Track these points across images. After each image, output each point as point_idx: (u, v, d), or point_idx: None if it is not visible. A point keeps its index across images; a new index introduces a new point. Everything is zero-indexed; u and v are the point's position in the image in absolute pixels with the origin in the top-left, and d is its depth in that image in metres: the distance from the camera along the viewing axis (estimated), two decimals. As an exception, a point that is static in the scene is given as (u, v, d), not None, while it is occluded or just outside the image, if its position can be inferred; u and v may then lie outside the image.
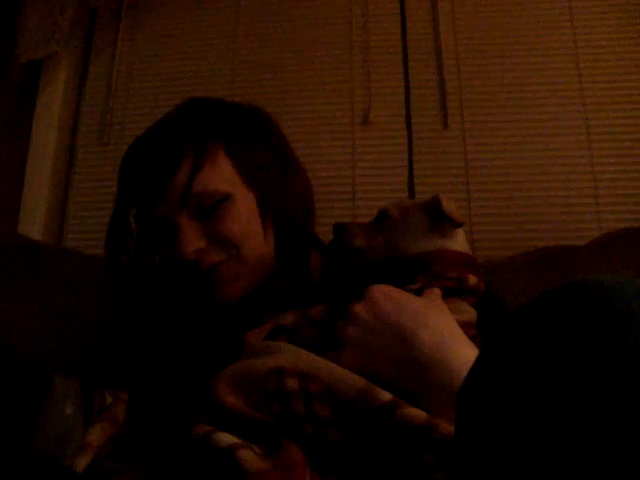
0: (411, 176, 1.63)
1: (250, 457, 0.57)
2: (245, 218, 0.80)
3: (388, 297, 0.70)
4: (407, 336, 0.65)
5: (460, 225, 0.81)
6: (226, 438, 0.60)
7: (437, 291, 0.74)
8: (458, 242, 0.82)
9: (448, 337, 0.65)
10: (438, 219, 0.80)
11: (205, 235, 0.78)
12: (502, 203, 1.59)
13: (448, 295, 0.75)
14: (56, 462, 0.66)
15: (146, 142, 0.82)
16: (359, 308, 0.70)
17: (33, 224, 1.66)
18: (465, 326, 0.71)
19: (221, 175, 0.79)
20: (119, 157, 1.71)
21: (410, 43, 1.75)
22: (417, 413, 0.58)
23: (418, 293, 0.74)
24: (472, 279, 0.78)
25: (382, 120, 1.68)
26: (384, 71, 1.73)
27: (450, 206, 0.80)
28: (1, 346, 1.00)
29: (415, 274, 0.76)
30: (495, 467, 0.38)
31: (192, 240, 0.76)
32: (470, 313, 0.78)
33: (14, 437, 0.70)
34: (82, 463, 0.71)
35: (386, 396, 0.60)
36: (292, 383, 0.63)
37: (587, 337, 0.35)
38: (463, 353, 0.63)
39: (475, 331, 0.75)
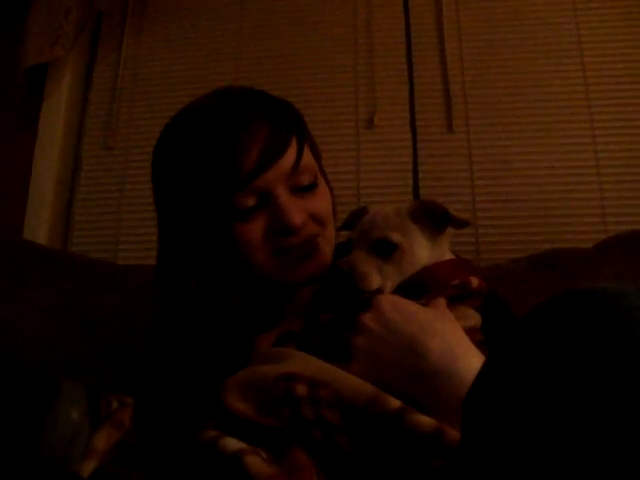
0: (416, 179, 1.63)
1: (257, 462, 0.57)
2: (330, 200, 0.86)
3: (396, 307, 0.70)
4: (416, 346, 0.65)
5: (469, 223, 0.79)
6: (233, 443, 0.60)
7: (442, 300, 0.73)
8: (447, 244, 0.82)
9: (456, 347, 0.65)
10: (441, 222, 0.79)
11: (303, 209, 0.79)
12: (507, 206, 1.59)
13: (453, 301, 0.75)
14: (62, 468, 0.66)
15: (237, 119, 0.77)
16: (367, 318, 0.69)
17: (39, 229, 1.67)
18: (471, 332, 0.71)
19: (312, 157, 0.84)
20: (125, 162, 1.76)
21: (414, 47, 1.75)
22: (426, 420, 0.57)
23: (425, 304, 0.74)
24: (474, 281, 0.78)
25: (387, 123, 1.68)
26: (389, 74, 1.73)
27: (451, 209, 0.78)
28: (6, 353, 1.00)
29: (422, 292, 0.75)
30: (500, 472, 0.38)
31: (298, 210, 0.77)
32: (475, 318, 0.77)
33: (20, 443, 0.70)
34: (88, 468, 0.71)
35: (395, 403, 0.59)
36: (301, 389, 0.63)
37: (592, 345, 0.35)
38: (471, 363, 0.62)
39: (481, 335, 0.75)
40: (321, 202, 0.82)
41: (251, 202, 0.76)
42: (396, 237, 0.75)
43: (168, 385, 0.85)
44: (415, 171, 1.64)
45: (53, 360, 1.09)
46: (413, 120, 1.68)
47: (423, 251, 0.77)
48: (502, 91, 1.68)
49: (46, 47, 1.69)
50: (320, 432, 0.61)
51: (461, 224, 0.78)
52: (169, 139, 0.83)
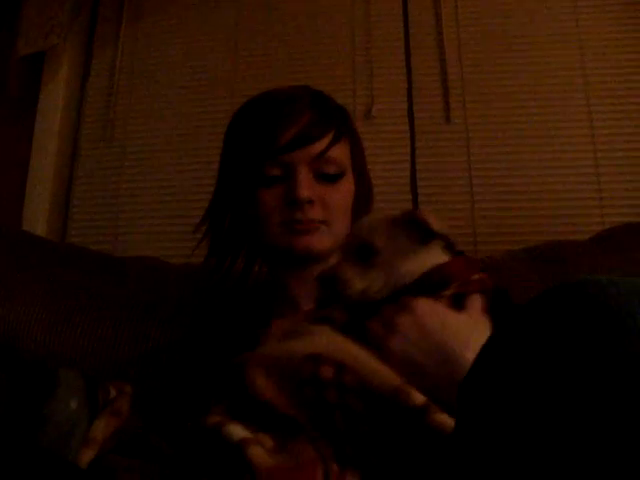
0: (413, 170, 1.63)
1: (260, 454, 0.57)
2: (348, 199, 0.93)
3: (432, 312, 0.70)
4: (451, 357, 0.65)
5: (445, 236, 0.77)
6: (238, 431, 0.60)
7: (477, 299, 0.73)
8: (440, 248, 0.79)
9: None
10: (426, 236, 0.76)
11: (316, 193, 0.87)
12: (504, 197, 1.59)
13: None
14: (59, 458, 0.66)
15: (291, 102, 0.91)
16: (403, 320, 0.69)
17: (37, 220, 1.67)
18: None
19: (345, 154, 0.93)
20: (122, 153, 1.76)
21: (413, 37, 1.74)
22: (448, 421, 0.57)
23: (459, 299, 0.73)
24: (488, 280, 0.78)
25: (384, 114, 1.68)
26: (387, 65, 1.73)
27: (431, 219, 0.75)
28: (5, 345, 1.01)
29: (437, 290, 0.74)
30: (491, 456, 0.39)
31: (309, 188, 0.86)
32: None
33: (18, 433, 0.70)
34: (86, 458, 0.71)
35: (420, 399, 0.59)
36: (327, 372, 0.63)
37: (585, 335, 0.35)
38: None
39: None
40: (337, 195, 0.90)
41: (276, 172, 0.88)
42: (377, 242, 0.75)
43: (175, 368, 0.87)
44: (413, 162, 1.64)
45: (52, 349, 1.09)
46: (411, 111, 1.68)
47: (410, 255, 0.76)
48: (500, 82, 1.68)
49: (41, 36, 1.68)
50: (341, 417, 0.61)
51: (440, 236, 0.76)
52: (236, 114, 0.98)
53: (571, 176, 1.59)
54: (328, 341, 0.68)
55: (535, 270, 1.17)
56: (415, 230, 0.76)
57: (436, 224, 0.74)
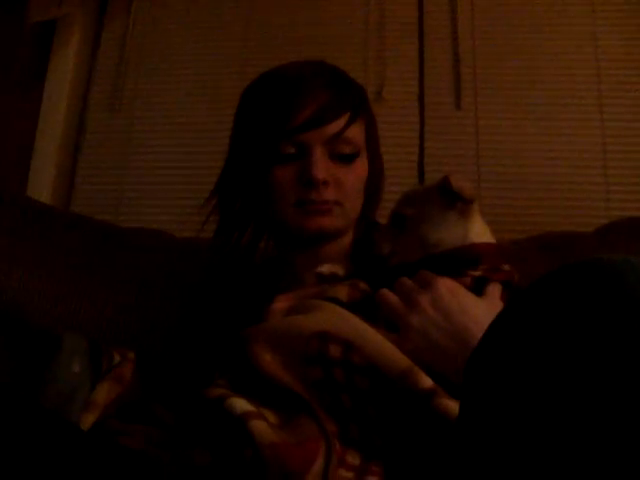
0: (421, 155, 1.62)
1: (263, 428, 0.57)
2: (362, 179, 0.92)
3: (454, 294, 0.69)
4: (469, 339, 0.64)
5: (471, 201, 0.78)
6: (241, 404, 0.60)
7: (498, 288, 0.72)
8: (478, 224, 0.80)
9: None
10: (451, 199, 0.78)
11: (331, 173, 0.86)
12: (511, 186, 1.59)
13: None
14: (62, 419, 0.67)
15: (307, 81, 0.89)
16: (423, 299, 0.69)
17: (42, 187, 1.66)
18: None
19: (361, 134, 0.91)
20: (131, 125, 1.75)
21: (427, 22, 1.73)
22: (454, 406, 0.56)
23: (481, 284, 0.72)
24: (515, 273, 0.77)
25: (395, 97, 1.67)
26: (399, 48, 1.72)
27: (459, 183, 0.77)
28: (5, 309, 1.01)
29: (464, 268, 0.74)
30: (495, 434, 0.39)
31: (325, 169, 0.85)
32: None
33: (21, 393, 0.71)
34: (88, 421, 0.72)
35: (427, 382, 0.59)
36: (335, 350, 0.62)
37: (600, 314, 0.35)
38: None
39: None
40: (352, 175, 0.89)
41: (291, 150, 0.86)
42: (407, 210, 0.80)
43: (180, 337, 0.86)
44: (421, 146, 1.63)
45: (54, 315, 1.09)
46: (422, 96, 1.67)
47: (440, 222, 0.78)
48: (512, 71, 1.67)
49: (53, 3, 1.67)
50: (348, 396, 0.61)
51: (465, 201, 0.77)
52: (248, 89, 0.96)
53: (579, 167, 1.58)
54: (336, 318, 0.66)
55: (538, 260, 1.17)
56: (446, 196, 0.77)
57: (468, 190, 0.75)
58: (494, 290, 0.72)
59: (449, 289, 0.69)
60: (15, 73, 1.74)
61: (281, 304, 0.78)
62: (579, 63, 1.65)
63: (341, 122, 0.86)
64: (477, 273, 0.73)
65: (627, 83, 1.63)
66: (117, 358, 0.77)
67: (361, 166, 0.92)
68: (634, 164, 1.57)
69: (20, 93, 1.73)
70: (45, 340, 0.76)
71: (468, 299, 0.69)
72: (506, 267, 0.75)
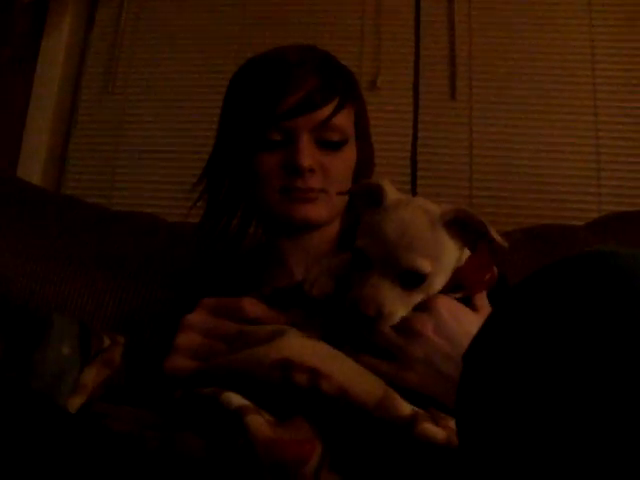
0: (415, 144, 1.62)
1: (259, 424, 0.54)
2: (350, 166, 0.91)
3: (452, 314, 0.65)
4: None
5: (506, 249, 0.65)
6: (236, 399, 0.57)
7: (484, 296, 0.69)
8: None
9: None
10: (476, 238, 0.67)
11: (317, 160, 0.85)
12: (504, 178, 1.59)
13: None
14: (49, 401, 0.67)
15: (295, 67, 0.87)
16: (425, 325, 0.63)
17: (32, 169, 1.65)
18: None
19: (349, 121, 0.90)
20: (124, 107, 1.74)
21: (423, 10, 1.72)
22: (436, 431, 0.54)
23: (466, 300, 0.68)
24: (495, 275, 0.72)
25: (390, 86, 1.67)
26: (395, 37, 1.71)
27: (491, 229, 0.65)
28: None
29: (458, 289, 0.68)
30: (491, 435, 0.38)
31: (311, 156, 0.84)
32: None
33: (8, 375, 0.71)
34: (76, 404, 0.72)
35: (406, 409, 0.56)
36: (301, 378, 0.57)
37: (602, 306, 0.35)
38: None
39: None
40: (339, 162, 0.88)
41: (277, 137, 0.85)
42: (427, 266, 0.63)
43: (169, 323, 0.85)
44: (415, 136, 1.63)
45: (42, 298, 1.09)
46: (416, 85, 1.67)
47: (449, 271, 0.67)
48: (507, 63, 1.67)
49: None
50: (321, 422, 0.57)
51: (500, 249, 0.66)
52: (237, 74, 0.95)
53: (571, 161, 1.59)
54: (296, 342, 0.61)
55: (530, 252, 1.18)
56: (463, 233, 0.65)
57: (493, 231, 0.64)
58: (483, 301, 0.69)
59: (448, 308, 0.65)
60: (6, 53, 1.72)
61: (198, 316, 0.69)
62: (573, 56, 1.65)
63: (329, 109, 0.85)
64: (459, 295, 0.68)
65: (621, 77, 1.63)
66: (107, 341, 0.76)
67: (349, 153, 0.90)
68: (626, 158, 1.58)
69: (12, 74, 1.71)
70: (34, 321, 0.75)
71: (467, 317, 0.65)
72: (487, 276, 0.70)
